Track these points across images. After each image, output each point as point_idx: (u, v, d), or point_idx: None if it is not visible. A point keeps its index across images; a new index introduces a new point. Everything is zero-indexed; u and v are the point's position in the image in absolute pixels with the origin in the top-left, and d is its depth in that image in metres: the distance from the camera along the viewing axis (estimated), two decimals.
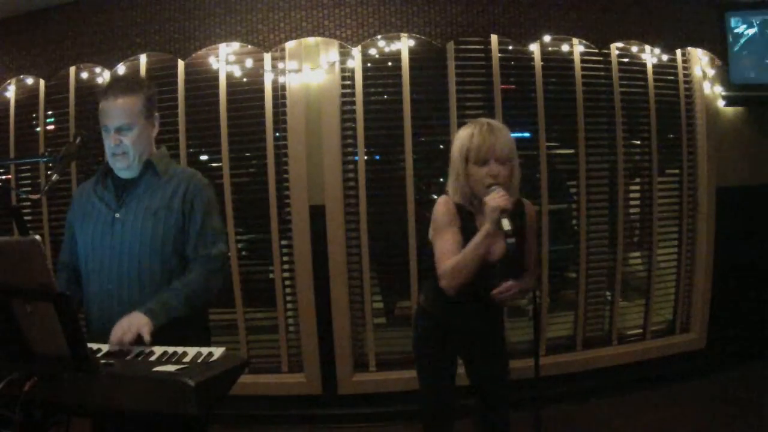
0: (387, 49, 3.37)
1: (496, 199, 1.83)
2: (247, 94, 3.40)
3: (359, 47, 3.29)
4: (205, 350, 1.58)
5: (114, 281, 1.87)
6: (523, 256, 2.03)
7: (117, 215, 1.90)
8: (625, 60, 3.68)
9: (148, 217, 1.89)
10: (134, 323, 1.66)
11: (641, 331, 3.80)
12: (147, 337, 1.64)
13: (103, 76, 3.45)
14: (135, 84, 1.95)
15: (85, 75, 3.50)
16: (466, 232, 1.93)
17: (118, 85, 1.91)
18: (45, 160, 3.18)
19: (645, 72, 3.70)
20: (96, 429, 1.86)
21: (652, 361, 3.69)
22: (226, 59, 3.35)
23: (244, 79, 3.39)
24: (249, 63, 3.33)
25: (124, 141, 1.86)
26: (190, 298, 1.82)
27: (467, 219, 1.96)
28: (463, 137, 1.98)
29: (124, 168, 1.91)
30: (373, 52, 3.37)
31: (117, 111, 1.85)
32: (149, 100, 1.93)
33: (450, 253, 1.92)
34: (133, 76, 3.28)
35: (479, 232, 1.87)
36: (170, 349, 1.61)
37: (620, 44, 3.62)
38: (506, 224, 1.77)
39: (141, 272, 1.86)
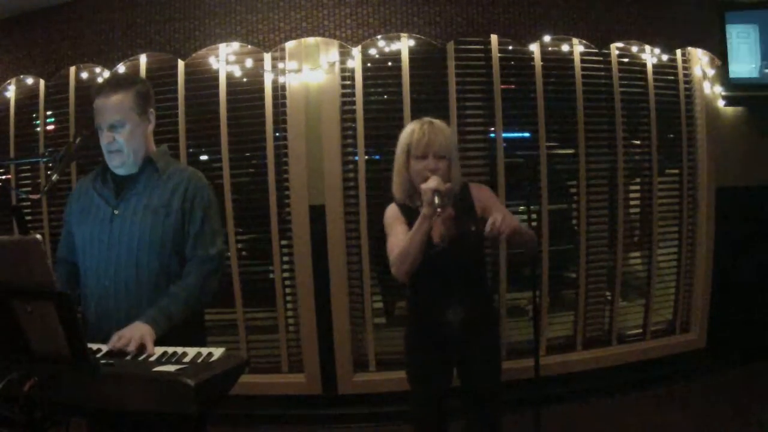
0: (387, 49, 3.37)
1: (429, 182, 1.94)
2: (247, 94, 3.40)
3: (359, 47, 3.29)
4: (205, 350, 1.58)
5: (111, 277, 1.86)
6: (480, 241, 2.10)
7: (116, 211, 1.89)
8: (625, 60, 3.68)
9: (147, 214, 1.87)
10: (136, 334, 1.64)
11: (641, 331, 3.80)
12: (150, 348, 1.63)
13: (103, 76, 3.45)
14: (124, 81, 1.92)
15: (85, 75, 3.50)
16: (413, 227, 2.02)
17: (108, 84, 1.89)
18: (45, 160, 3.17)
19: (645, 72, 3.70)
20: (92, 430, 1.86)
21: (652, 361, 3.69)
22: (226, 59, 3.35)
23: (244, 79, 3.39)
24: (249, 63, 3.33)
25: (117, 138, 1.85)
26: (189, 303, 1.82)
27: (412, 216, 2.04)
28: (405, 133, 2.10)
29: (119, 165, 1.89)
30: (373, 52, 3.37)
31: (107, 109, 1.84)
32: (141, 96, 1.90)
33: (398, 244, 2.03)
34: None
35: (419, 217, 1.96)
36: (170, 349, 1.61)
37: (620, 44, 3.62)
38: (437, 200, 1.89)
39: (139, 269, 1.85)
